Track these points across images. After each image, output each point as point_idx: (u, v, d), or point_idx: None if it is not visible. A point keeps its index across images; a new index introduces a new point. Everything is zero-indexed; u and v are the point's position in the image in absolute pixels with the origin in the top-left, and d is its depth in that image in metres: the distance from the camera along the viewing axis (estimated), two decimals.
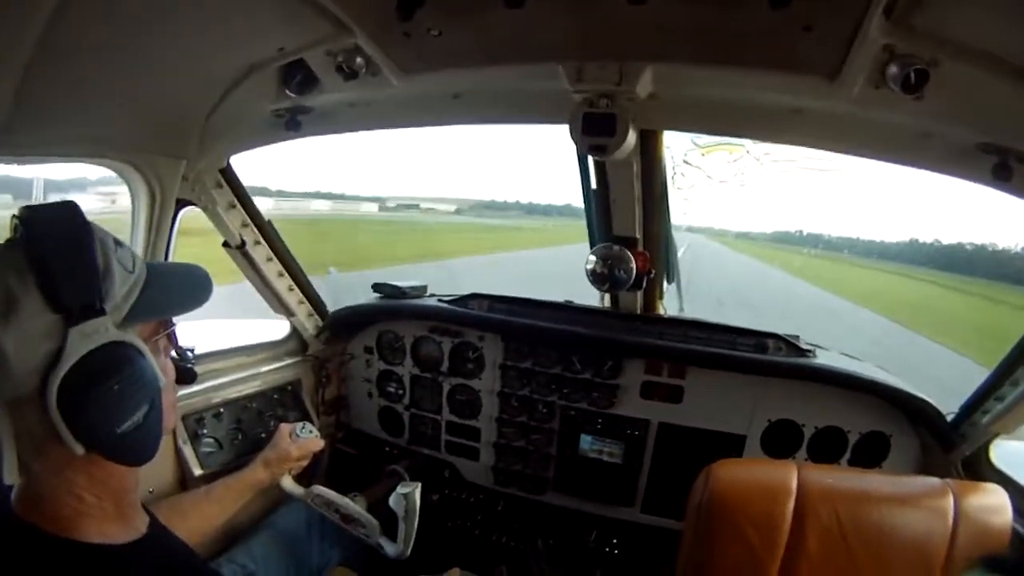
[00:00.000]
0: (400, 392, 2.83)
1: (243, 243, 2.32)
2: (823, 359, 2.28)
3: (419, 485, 2.04)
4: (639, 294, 2.50)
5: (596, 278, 2.26)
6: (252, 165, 2.28)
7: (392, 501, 2.02)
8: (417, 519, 2.00)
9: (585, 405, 2.48)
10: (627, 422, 2.44)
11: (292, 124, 1.94)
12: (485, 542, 2.66)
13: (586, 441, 2.49)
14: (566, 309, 2.69)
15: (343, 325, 2.83)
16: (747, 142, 2.35)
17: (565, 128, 1.66)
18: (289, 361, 2.70)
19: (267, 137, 2.07)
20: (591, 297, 2.72)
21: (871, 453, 2.20)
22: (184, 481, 2.13)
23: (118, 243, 1.09)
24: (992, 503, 1.41)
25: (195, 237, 2.28)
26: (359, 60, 1.58)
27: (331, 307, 2.79)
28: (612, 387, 2.43)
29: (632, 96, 1.55)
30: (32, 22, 1.15)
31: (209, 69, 1.68)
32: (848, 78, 1.33)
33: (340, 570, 2.26)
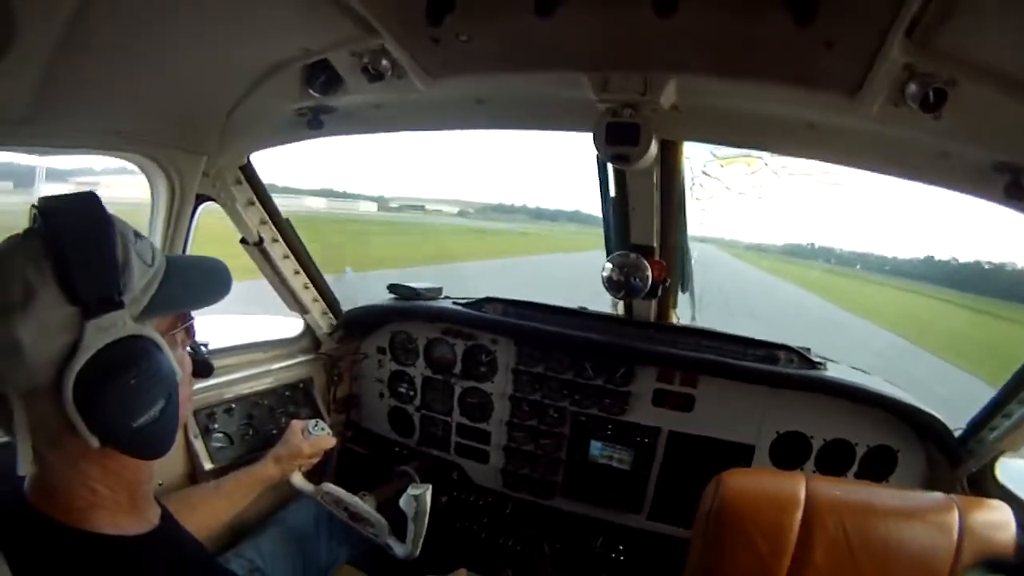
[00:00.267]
0: (411, 393, 2.84)
1: (261, 240, 2.35)
2: (833, 372, 2.28)
3: (430, 487, 2.05)
4: (653, 302, 2.51)
5: (612, 285, 2.27)
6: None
7: (403, 502, 2.04)
8: (427, 521, 2.01)
9: (596, 411, 2.49)
10: (638, 429, 2.44)
11: (315, 123, 1.95)
12: (492, 544, 2.67)
13: (596, 447, 2.50)
14: (580, 315, 2.70)
15: (357, 324, 2.85)
16: (765, 155, 2.36)
17: (578, 134, 1.67)
18: (302, 359, 2.72)
19: (289, 135, 2.09)
20: (602, 303, 2.73)
21: (878, 467, 2.20)
22: (194, 475, 2.15)
23: (138, 235, 1.09)
24: (997, 519, 1.41)
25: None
26: (385, 62, 1.58)
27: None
28: (624, 394, 2.44)
29: (656, 107, 1.56)
30: (58, 15, 1.17)
31: (232, 66, 1.70)
32: (868, 95, 1.34)
33: (347, 568, 2.28)
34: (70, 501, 1.05)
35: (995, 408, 1.93)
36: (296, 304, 2.63)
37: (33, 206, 1.01)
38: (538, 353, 2.57)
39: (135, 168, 1.95)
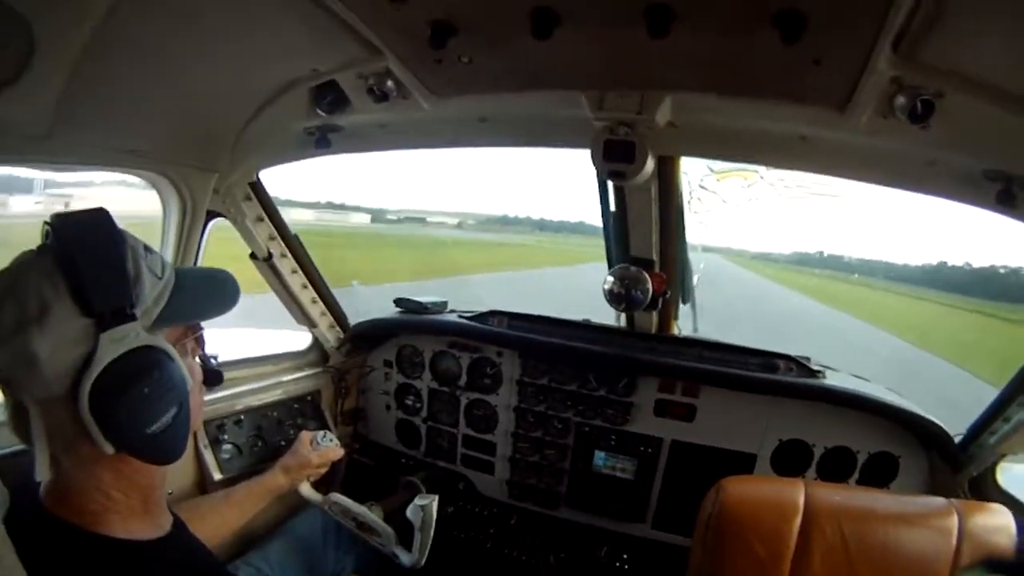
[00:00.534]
0: (418, 405, 2.87)
1: (270, 255, 2.39)
2: (833, 380, 2.30)
3: (437, 498, 2.06)
4: (655, 314, 2.54)
5: (613, 298, 2.30)
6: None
7: (410, 513, 2.05)
8: (433, 531, 2.03)
9: (600, 422, 2.51)
10: (640, 439, 2.46)
11: (322, 142, 2.01)
12: (498, 555, 2.69)
13: (599, 457, 2.52)
14: (583, 327, 2.73)
15: (364, 338, 2.89)
16: (761, 168, 2.40)
17: (582, 150, 1.71)
18: (310, 372, 2.75)
19: (297, 153, 2.14)
20: (605, 316, 2.76)
21: (880, 473, 2.21)
22: (204, 485, 2.18)
23: (148, 250, 1.13)
24: (996, 523, 1.41)
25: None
26: (390, 83, 1.64)
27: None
28: (626, 404, 2.47)
29: (651, 124, 1.60)
30: (75, 36, 1.23)
31: (244, 86, 1.76)
32: (857, 109, 1.38)
33: None
34: (84, 505, 1.08)
35: (995, 412, 1.94)
36: (304, 318, 2.67)
37: (45, 223, 1.04)
38: (542, 365, 2.59)
39: (135, 181, 1.98)
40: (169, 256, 2.09)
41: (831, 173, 1.80)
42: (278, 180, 2.29)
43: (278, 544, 2.14)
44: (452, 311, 2.94)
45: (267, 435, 2.42)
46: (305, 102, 1.81)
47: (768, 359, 2.39)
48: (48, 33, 1.18)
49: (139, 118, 1.68)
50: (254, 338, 2.85)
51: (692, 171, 2.31)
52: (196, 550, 1.34)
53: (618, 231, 2.34)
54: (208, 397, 2.11)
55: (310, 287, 2.60)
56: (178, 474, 2.08)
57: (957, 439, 2.08)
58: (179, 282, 1.16)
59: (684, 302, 2.72)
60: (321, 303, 2.68)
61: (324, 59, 1.63)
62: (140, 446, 1.06)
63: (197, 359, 1.28)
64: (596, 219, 2.46)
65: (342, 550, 2.28)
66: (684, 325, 2.80)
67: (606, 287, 2.31)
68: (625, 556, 2.50)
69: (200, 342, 1.28)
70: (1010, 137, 1.33)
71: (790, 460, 2.30)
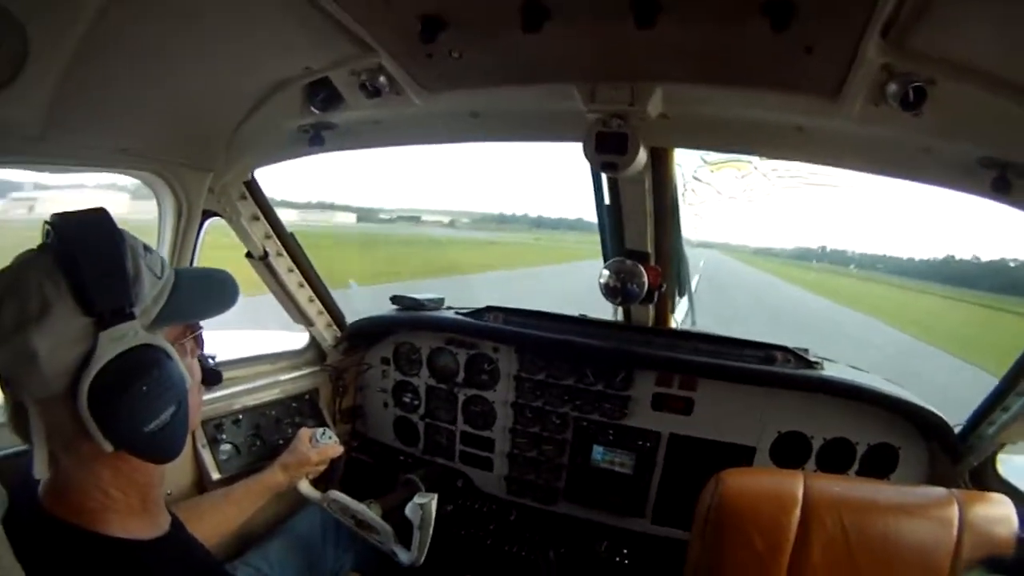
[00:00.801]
0: (416, 402, 2.87)
1: (266, 254, 2.39)
2: (831, 371, 2.29)
3: (436, 496, 2.07)
4: (651, 307, 2.54)
5: (609, 291, 2.30)
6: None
7: (409, 511, 2.05)
8: (432, 529, 2.03)
9: (597, 416, 2.51)
10: (638, 433, 2.46)
11: (316, 139, 2.01)
12: (497, 551, 2.68)
13: (598, 452, 2.52)
14: (580, 322, 2.73)
15: (361, 336, 2.88)
16: (755, 159, 2.39)
17: (577, 145, 1.71)
18: (307, 370, 2.75)
19: (292, 151, 2.14)
20: (603, 311, 2.76)
21: (879, 464, 2.20)
22: (202, 485, 2.18)
23: (147, 249, 1.14)
24: (997, 513, 1.41)
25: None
26: (382, 79, 1.64)
27: None
28: (624, 399, 2.46)
29: (643, 116, 1.60)
30: (68, 36, 1.22)
31: (238, 86, 1.76)
32: (848, 97, 1.38)
33: (353, 575, 2.30)
34: (83, 504, 1.08)
35: (994, 402, 1.93)
36: (301, 317, 2.67)
37: (46, 222, 1.05)
38: (539, 360, 2.59)
39: (98, 182, 1.99)
40: (165, 257, 2.07)
41: (825, 162, 1.79)
42: (270, 181, 2.29)
43: (277, 542, 2.14)
44: (449, 308, 2.93)
45: (265, 434, 2.42)
46: (298, 100, 1.82)
47: (765, 351, 2.38)
48: (41, 35, 1.19)
49: (133, 118, 1.68)
50: (251, 339, 2.85)
51: (686, 163, 2.31)
52: (194, 550, 1.34)
53: (613, 224, 2.34)
54: (206, 397, 2.09)
55: (307, 286, 2.60)
56: (176, 474, 2.08)
57: (957, 429, 2.07)
58: (178, 282, 1.17)
59: (680, 295, 2.71)
60: (318, 302, 2.68)
61: (317, 57, 1.63)
62: (139, 444, 1.07)
63: (196, 358, 1.29)
64: (594, 215, 2.46)
65: (341, 548, 2.28)
66: (681, 318, 2.79)
67: (601, 281, 2.31)
68: (625, 551, 2.49)
69: (199, 342, 1.29)
70: (1003, 123, 1.32)
71: (789, 452, 2.29)
